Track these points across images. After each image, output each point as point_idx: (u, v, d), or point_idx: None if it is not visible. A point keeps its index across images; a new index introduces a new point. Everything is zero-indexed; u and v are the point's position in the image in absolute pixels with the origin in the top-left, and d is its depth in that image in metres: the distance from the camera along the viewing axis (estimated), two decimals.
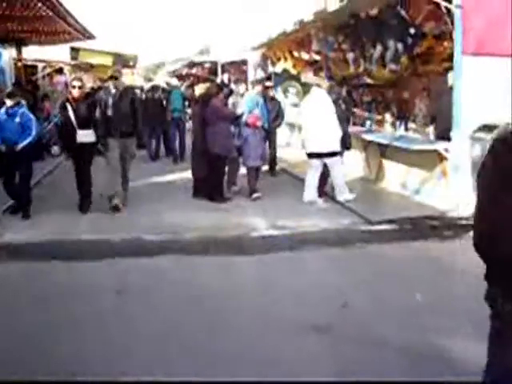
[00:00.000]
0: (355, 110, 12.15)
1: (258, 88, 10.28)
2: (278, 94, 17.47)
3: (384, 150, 9.93)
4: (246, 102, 9.84)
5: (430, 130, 9.73)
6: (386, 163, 10.11)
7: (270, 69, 16.72)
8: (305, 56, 12.65)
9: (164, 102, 15.11)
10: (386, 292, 5.39)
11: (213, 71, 28.11)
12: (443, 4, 7.70)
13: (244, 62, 23.39)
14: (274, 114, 11.13)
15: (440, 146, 8.15)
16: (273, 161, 11.44)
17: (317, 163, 8.94)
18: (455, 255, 6.66)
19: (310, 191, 8.98)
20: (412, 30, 8.54)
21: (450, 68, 8.73)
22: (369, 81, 11.81)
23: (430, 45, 9.36)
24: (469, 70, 7.79)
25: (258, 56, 18.76)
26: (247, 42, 16.40)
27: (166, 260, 6.49)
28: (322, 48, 11.47)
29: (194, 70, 30.71)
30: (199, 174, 9.54)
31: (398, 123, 11.12)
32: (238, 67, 25.74)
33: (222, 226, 7.71)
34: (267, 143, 10.76)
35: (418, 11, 8.57)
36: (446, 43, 9.11)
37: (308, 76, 9.15)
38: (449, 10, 7.72)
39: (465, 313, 4.62)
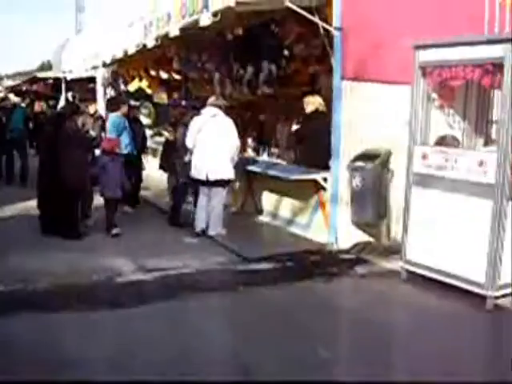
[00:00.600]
0: None
1: (124, 109, 9.24)
2: None
3: (252, 178, 9.30)
4: (110, 125, 8.80)
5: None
6: (255, 192, 9.51)
7: (122, 87, 15.61)
8: (164, 75, 11.71)
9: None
10: (285, 349, 4.65)
11: (56, 88, 26.19)
12: (321, 25, 7.24)
13: (92, 80, 21.94)
14: (140, 138, 10.09)
15: (319, 175, 7.66)
16: (136, 191, 10.21)
17: (206, 191, 8.16)
18: (343, 296, 6.33)
19: (202, 220, 8.21)
20: (286, 52, 8.02)
21: (309, 92, 8.44)
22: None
23: (296, 67, 8.95)
24: (349, 95, 7.40)
25: (108, 73, 17.55)
26: (96, 57, 15.12)
27: (16, 321, 5.18)
28: (183, 67, 10.64)
29: (35, 87, 28.49)
30: (48, 208, 8.26)
31: (260, 148, 10.64)
32: (84, 85, 24.13)
33: (82, 270, 6.54)
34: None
35: (290, 31, 8.06)
36: (311, 66, 8.76)
37: (211, 99, 8.14)
38: (327, 32, 7.28)
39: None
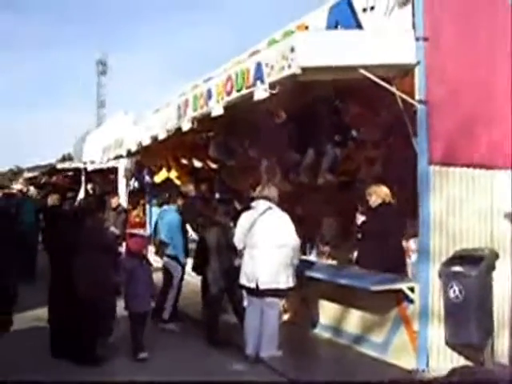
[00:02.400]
0: None
1: (179, 201, 7.98)
2: (153, 209, 15.15)
3: (304, 282, 7.68)
4: (166, 224, 7.54)
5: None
6: (309, 300, 7.87)
7: (147, 179, 14.31)
8: (197, 163, 10.35)
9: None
10: None
11: (76, 180, 25.16)
12: (400, 96, 5.87)
13: (113, 171, 20.84)
14: None
15: (404, 284, 6.05)
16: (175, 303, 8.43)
17: (257, 303, 6.52)
18: None
19: (253, 340, 6.53)
20: (354, 133, 6.63)
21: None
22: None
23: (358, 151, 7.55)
24: (438, 183, 5.93)
25: (131, 164, 16.37)
26: (120, 146, 13.93)
27: None
28: (221, 154, 9.28)
29: (54, 178, 27.54)
30: (61, 324, 6.67)
31: (307, 246, 9.15)
32: (105, 176, 23.05)
33: None
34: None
35: (357, 107, 6.69)
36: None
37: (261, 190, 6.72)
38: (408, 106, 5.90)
39: None
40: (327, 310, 7.56)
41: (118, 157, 14.48)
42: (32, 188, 33.49)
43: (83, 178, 22.56)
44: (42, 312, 7.28)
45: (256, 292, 6.38)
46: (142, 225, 15.53)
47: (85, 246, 6.39)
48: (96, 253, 6.39)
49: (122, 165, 16.89)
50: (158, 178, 12.96)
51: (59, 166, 22.56)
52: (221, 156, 9.29)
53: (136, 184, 16.21)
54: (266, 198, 6.56)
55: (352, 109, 6.57)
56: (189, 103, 8.04)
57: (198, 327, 8.04)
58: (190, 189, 14.96)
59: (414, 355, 6.06)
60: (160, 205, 9.36)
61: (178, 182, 12.32)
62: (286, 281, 6.38)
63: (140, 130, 10.94)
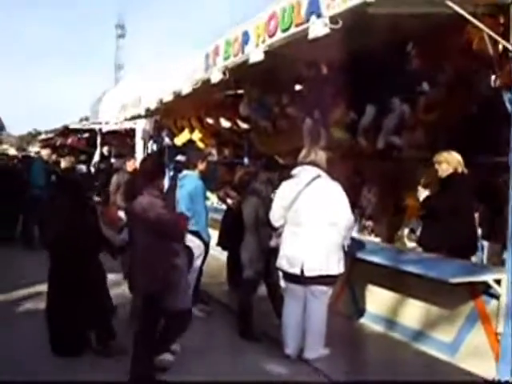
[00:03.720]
0: None
1: (202, 166, 6.82)
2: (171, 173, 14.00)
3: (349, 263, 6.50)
4: (188, 193, 6.41)
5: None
6: (354, 284, 6.72)
7: (167, 141, 13.13)
8: (225, 123, 9.09)
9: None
10: None
11: (92, 142, 24.05)
12: (497, 39, 4.60)
13: (130, 133, 19.70)
14: None
15: (491, 276, 4.85)
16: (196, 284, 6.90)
17: (300, 292, 5.35)
18: None
19: (295, 338, 5.37)
20: (426, 86, 5.34)
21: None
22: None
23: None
24: None
25: (149, 125, 15.20)
26: (138, 105, 12.69)
27: None
28: (254, 112, 8.03)
29: (69, 140, 26.47)
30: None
31: None
32: (122, 138, 21.93)
33: None
34: None
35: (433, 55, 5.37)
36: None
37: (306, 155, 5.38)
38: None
39: None
40: (379, 298, 6.41)
41: (135, 117, 13.30)
42: (44, 150, 32.37)
43: (99, 140, 21.45)
44: None
45: (300, 279, 5.20)
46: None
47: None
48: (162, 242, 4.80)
49: (140, 126, 15.72)
50: (179, 140, 11.76)
51: (72, 126, 21.37)
52: (254, 115, 8.04)
53: (154, 147, 15.05)
54: (314, 163, 5.33)
55: (424, 57, 5.27)
56: (219, 50, 6.80)
57: (225, 312, 6.95)
58: (212, 153, 13.83)
59: (493, 361, 4.91)
60: (177, 170, 8.12)
61: (200, 145, 11.13)
62: (337, 266, 5.20)
63: (161, 85, 9.72)
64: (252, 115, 8.07)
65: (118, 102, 16.32)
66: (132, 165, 11.40)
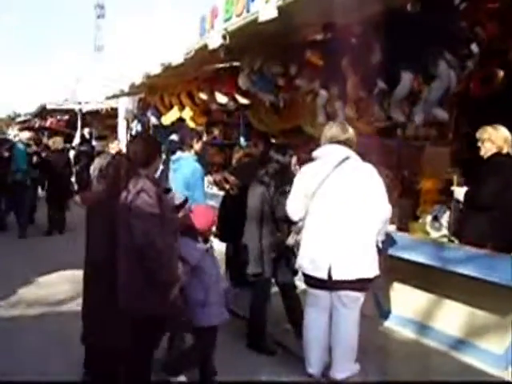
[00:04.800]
0: None
1: (197, 146, 5.83)
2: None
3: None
4: (183, 176, 5.42)
5: None
6: (393, 288, 5.81)
7: (153, 120, 12.05)
8: (222, 99, 8.01)
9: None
10: None
11: (71, 124, 22.87)
12: None
13: (111, 113, 18.60)
14: None
15: None
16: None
17: (326, 300, 4.40)
18: None
19: (320, 354, 4.42)
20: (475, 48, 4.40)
21: None
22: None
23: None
24: None
25: (133, 104, 14.11)
26: (120, 80, 11.62)
27: None
28: (255, 85, 7.01)
29: (48, 122, 25.26)
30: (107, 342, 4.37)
31: None
32: (104, 119, 20.79)
33: None
34: None
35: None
36: None
37: (332, 131, 4.31)
38: None
39: None
40: (408, 299, 5.52)
41: (117, 95, 12.27)
42: (23, 133, 30.99)
43: (79, 121, 20.30)
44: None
45: (327, 284, 4.25)
46: None
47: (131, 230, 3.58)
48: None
49: (123, 105, 14.63)
50: (167, 119, 10.69)
51: (49, 106, 20.15)
52: (254, 88, 7.03)
53: (139, 127, 13.98)
54: (343, 142, 4.37)
55: (477, 12, 4.30)
56: (218, 12, 5.80)
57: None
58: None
59: None
60: (170, 152, 7.12)
61: (191, 124, 10.11)
62: (372, 266, 4.27)
63: (147, 57, 8.70)
64: (252, 88, 7.06)
65: (99, 80, 15.26)
66: (115, 147, 10.42)
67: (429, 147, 7.29)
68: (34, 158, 11.63)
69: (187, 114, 9.55)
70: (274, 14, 4.57)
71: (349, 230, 4.18)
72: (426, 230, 6.59)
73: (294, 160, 5.31)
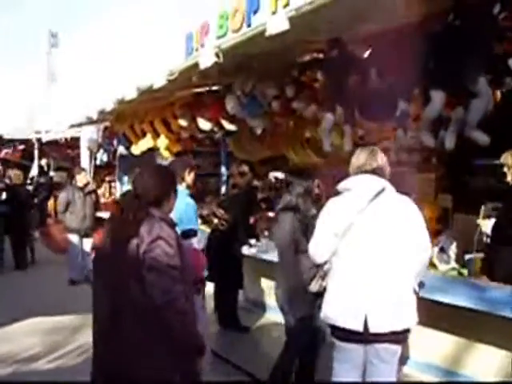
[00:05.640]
0: None
1: (189, 178, 5.13)
2: (124, 187, 12.28)
3: None
4: (182, 213, 4.68)
5: None
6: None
7: (121, 150, 11.31)
8: (204, 125, 7.31)
9: None
10: None
11: (26, 154, 21.80)
12: None
13: (70, 143, 17.70)
14: None
15: None
16: None
17: (359, 355, 3.71)
18: None
19: None
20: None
21: None
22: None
23: None
24: None
25: (97, 133, 13.32)
26: (87, 107, 10.86)
27: None
28: (242, 110, 6.39)
29: (3, 153, 24.06)
30: None
31: None
32: (62, 149, 19.84)
33: None
34: None
35: None
36: None
37: (374, 155, 3.68)
38: None
39: None
40: (431, 342, 4.94)
41: (83, 123, 11.45)
42: None
43: (36, 152, 19.29)
44: None
45: (363, 337, 3.61)
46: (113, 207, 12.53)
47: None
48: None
49: (86, 134, 13.81)
50: (138, 148, 9.98)
51: (6, 136, 19.11)
52: (242, 112, 6.41)
53: (104, 157, 13.20)
54: (372, 171, 3.77)
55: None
56: (210, 28, 5.20)
57: (230, 370, 5.33)
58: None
59: None
60: None
61: (166, 154, 9.43)
62: (413, 314, 3.65)
63: (119, 81, 8.01)
64: (240, 113, 6.44)
65: (57, 109, 14.44)
66: (83, 178, 9.64)
67: (412, 173, 6.91)
68: (4, 194, 11.21)
69: (162, 142, 8.86)
70: (285, 26, 3.98)
71: (387, 273, 3.56)
72: (432, 263, 6.07)
73: (316, 183, 4.68)
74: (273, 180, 8.96)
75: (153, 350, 2.79)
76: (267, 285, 6.98)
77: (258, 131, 7.01)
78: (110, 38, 13.63)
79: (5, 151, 24.17)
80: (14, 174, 12.16)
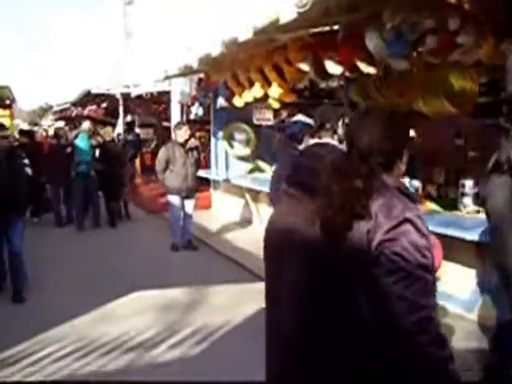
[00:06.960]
0: None
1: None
2: (220, 143, 11.46)
3: None
4: None
5: None
6: None
7: (221, 102, 10.42)
8: (335, 69, 6.18)
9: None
10: None
11: (111, 111, 21.38)
12: None
13: (156, 98, 17.07)
14: None
15: None
16: None
17: None
18: None
19: None
20: None
21: None
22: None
23: None
24: None
25: (189, 85, 12.46)
26: (168, 63, 10.06)
27: None
28: (386, 49, 5.29)
29: (86, 110, 23.86)
30: None
31: None
32: (147, 105, 19.26)
33: None
34: None
35: None
36: None
37: None
38: None
39: None
40: None
41: (178, 75, 10.62)
42: (60, 122, 29.70)
43: (121, 108, 18.75)
44: None
45: None
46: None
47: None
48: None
49: (178, 87, 12.97)
50: (242, 100, 9.04)
51: (94, 91, 18.65)
52: (386, 52, 5.30)
53: (200, 111, 12.38)
54: None
55: None
56: None
57: None
58: (269, 116, 11.33)
59: None
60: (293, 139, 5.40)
61: (275, 105, 8.44)
62: None
63: (226, 24, 7.08)
64: (383, 52, 5.33)
65: (149, 61, 13.74)
66: (184, 133, 8.83)
67: None
68: (98, 151, 11.15)
69: (275, 91, 7.82)
70: None
71: None
72: None
73: None
74: None
75: None
76: None
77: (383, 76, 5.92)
78: None
79: (88, 108, 23.97)
80: (105, 131, 11.81)
